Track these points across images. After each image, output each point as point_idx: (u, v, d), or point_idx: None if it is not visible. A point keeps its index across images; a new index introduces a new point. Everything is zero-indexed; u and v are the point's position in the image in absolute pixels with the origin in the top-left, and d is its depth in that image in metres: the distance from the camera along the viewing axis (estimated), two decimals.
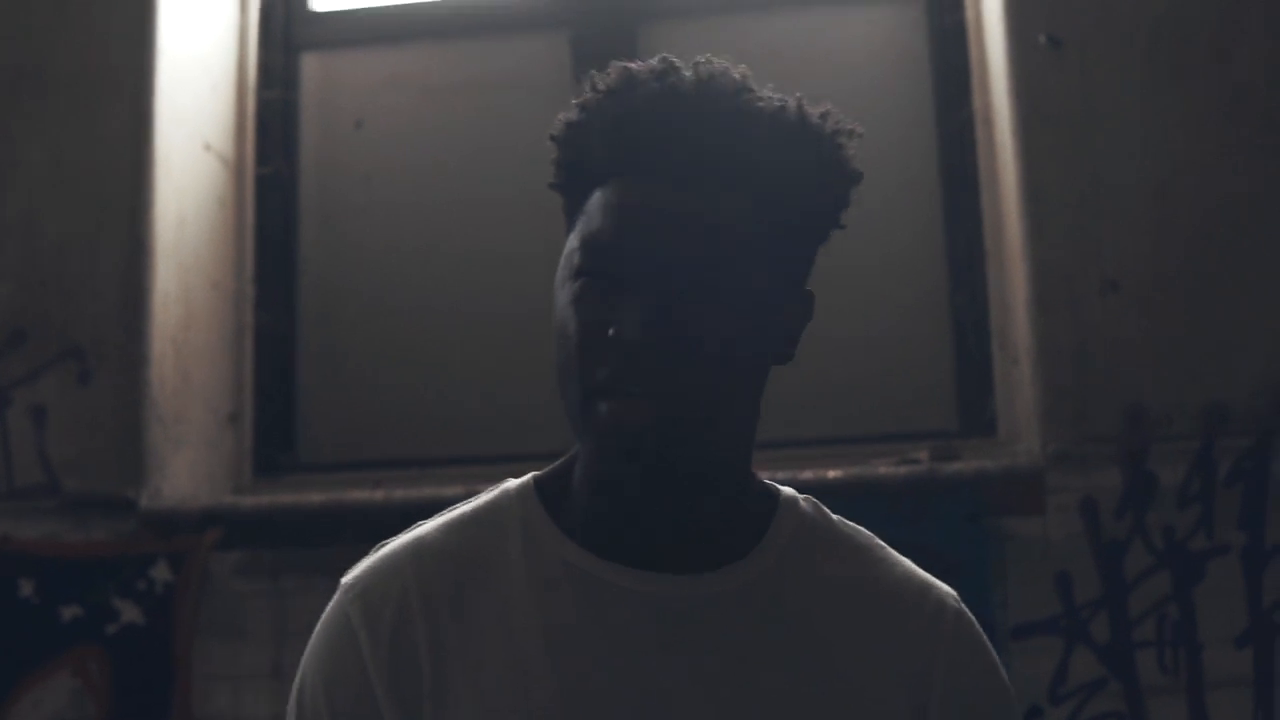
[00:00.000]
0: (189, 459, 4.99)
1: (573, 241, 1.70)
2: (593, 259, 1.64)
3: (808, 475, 4.36)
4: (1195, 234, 4.43)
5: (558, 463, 1.83)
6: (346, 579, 1.81)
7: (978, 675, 1.78)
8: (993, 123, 4.96)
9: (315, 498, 4.85)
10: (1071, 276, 4.47)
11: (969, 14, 5.13)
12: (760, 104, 1.70)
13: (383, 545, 1.84)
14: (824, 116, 1.74)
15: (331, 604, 1.79)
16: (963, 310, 5.02)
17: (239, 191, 5.47)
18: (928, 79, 5.27)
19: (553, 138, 1.79)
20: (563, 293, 1.68)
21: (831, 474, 4.46)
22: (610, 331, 1.57)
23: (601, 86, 1.75)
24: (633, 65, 1.75)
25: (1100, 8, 4.59)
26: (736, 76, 1.73)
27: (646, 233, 1.62)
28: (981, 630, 1.81)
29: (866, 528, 1.87)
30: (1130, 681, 4.24)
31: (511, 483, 1.83)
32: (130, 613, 4.65)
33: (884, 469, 4.52)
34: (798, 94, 1.75)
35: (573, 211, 1.74)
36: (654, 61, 1.75)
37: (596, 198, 1.68)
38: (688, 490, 1.68)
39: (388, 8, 5.73)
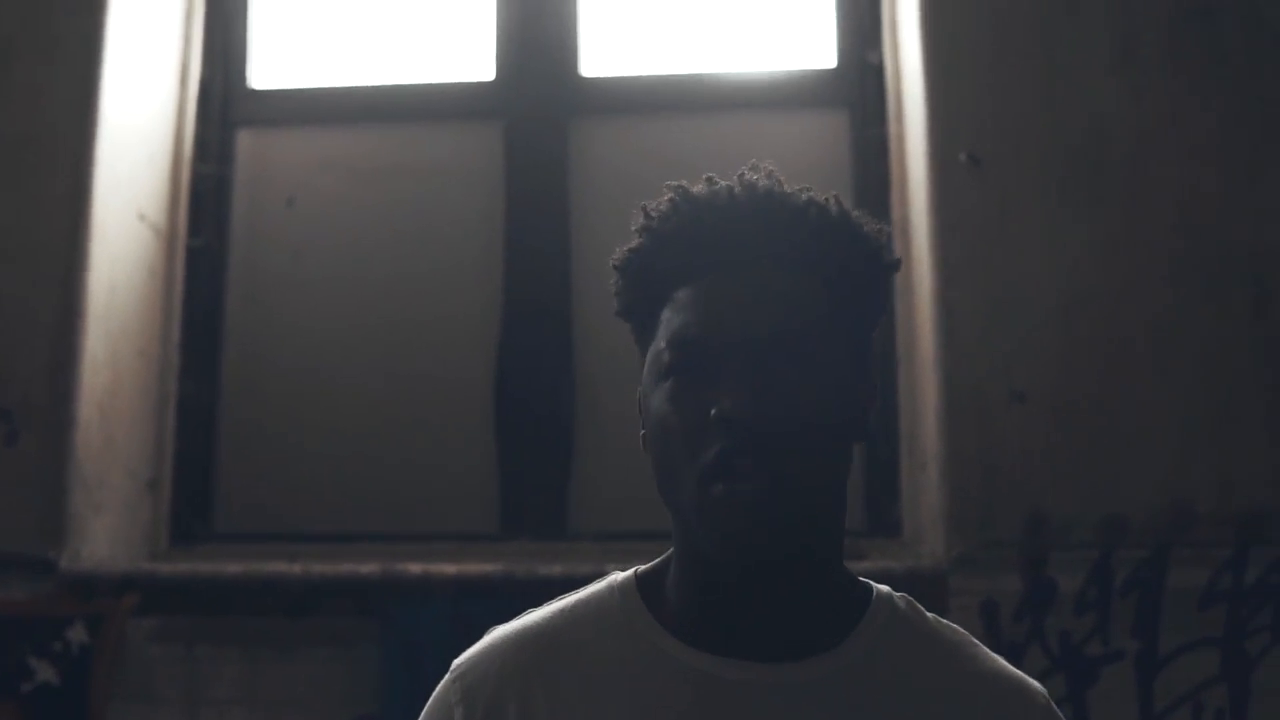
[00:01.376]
0: (109, 523, 5.03)
1: (658, 345, 1.77)
2: (682, 354, 1.72)
3: None
4: (1101, 353, 4.60)
5: (659, 559, 1.89)
6: (456, 660, 1.88)
7: None
8: (910, 234, 5.10)
9: (233, 568, 4.88)
10: (980, 387, 4.62)
11: (892, 128, 5.30)
12: (804, 197, 1.80)
13: (494, 629, 1.91)
14: (857, 212, 1.84)
15: (441, 683, 1.87)
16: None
17: (169, 262, 5.53)
18: (849, 187, 5.40)
19: (615, 267, 1.87)
20: (655, 397, 1.75)
21: None
22: (713, 413, 1.63)
23: (654, 212, 1.83)
24: (682, 184, 1.83)
25: (1020, 132, 4.76)
26: (780, 179, 1.82)
27: (730, 318, 1.70)
28: None
29: None
30: None
31: (617, 575, 1.89)
32: (46, 672, 4.66)
33: None
34: (835, 193, 1.85)
35: (647, 329, 1.82)
36: (700, 182, 1.83)
37: (675, 300, 1.76)
38: (790, 572, 1.73)
39: (325, 90, 5.83)
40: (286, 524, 5.34)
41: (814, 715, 1.72)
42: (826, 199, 1.82)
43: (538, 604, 4.56)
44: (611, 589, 1.88)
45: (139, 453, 5.28)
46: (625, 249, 1.86)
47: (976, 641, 1.87)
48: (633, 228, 1.85)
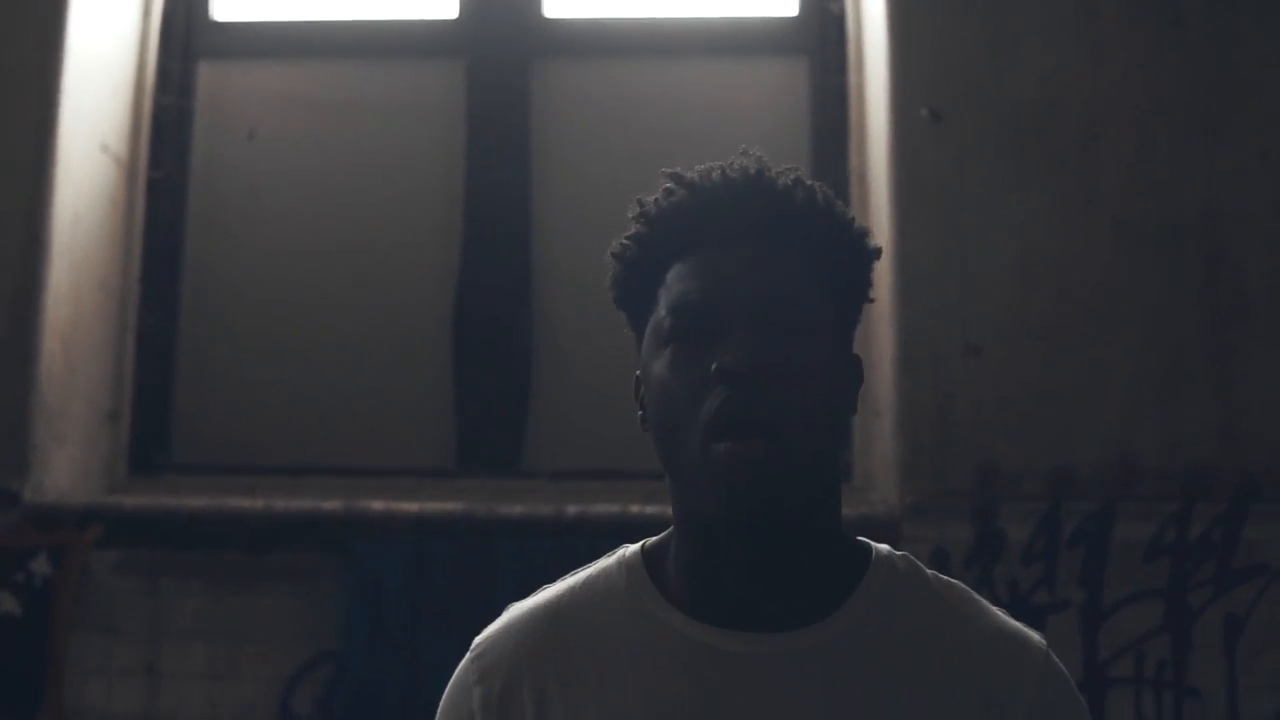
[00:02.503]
0: (70, 455, 5.06)
1: (657, 315, 1.80)
2: (683, 319, 1.75)
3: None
4: (1052, 309, 4.69)
5: (664, 533, 1.91)
6: (475, 640, 1.92)
7: (1062, 716, 1.81)
8: (868, 184, 5.18)
9: (196, 502, 4.94)
10: (935, 338, 4.70)
11: (852, 78, 5.35)
12: (792, 178, 1.85)
13: (511, 607, 1.94)
14: (840, 201, 1.89)
15: (461, 662, 1.91)
16: None
17: (130, 193, 5.53)
18: (807, 135, 5.47)
19: (613, 254, 1.90)
20: (655, 365, 1.78)
21: None
22: (714, 367, 1.67)
23: (648, 201, 1.88)
24: (676, 170, 1.88)
25: (980, 91, 4.84)
26: (768, 164, 1.86)
27: (728, 284, 1.74)
28: (1070, 678, 1.85)
29: None
30: None
31: (627, 549, 1.92)
32: (8, 603, 4.71)
33: None
34: (820, 182, 1.88)
35: (644, 312, 1.86)
36: (691, 170, 1.87)
37: (672, 275, 1.80)
38: (790, 533, 1.75)
39: (287, 23, 5.83)
40: (245, 455, 5.39)
41: (815, 682, 1.73)
42: (812, 183, 1.87)
43: (497, 543, 4.62)
44: (620, 564, 1.90)
45: (99, 384, 5.31)
46: (622, 237, 1.90)
47: (978, 597, 1.88)
48: (630, 215, 1.89)
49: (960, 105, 4.82)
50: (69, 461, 5.05)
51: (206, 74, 5.77)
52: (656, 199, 1.87)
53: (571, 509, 4.70)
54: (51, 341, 4.96)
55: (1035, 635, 1.84)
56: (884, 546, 1.89)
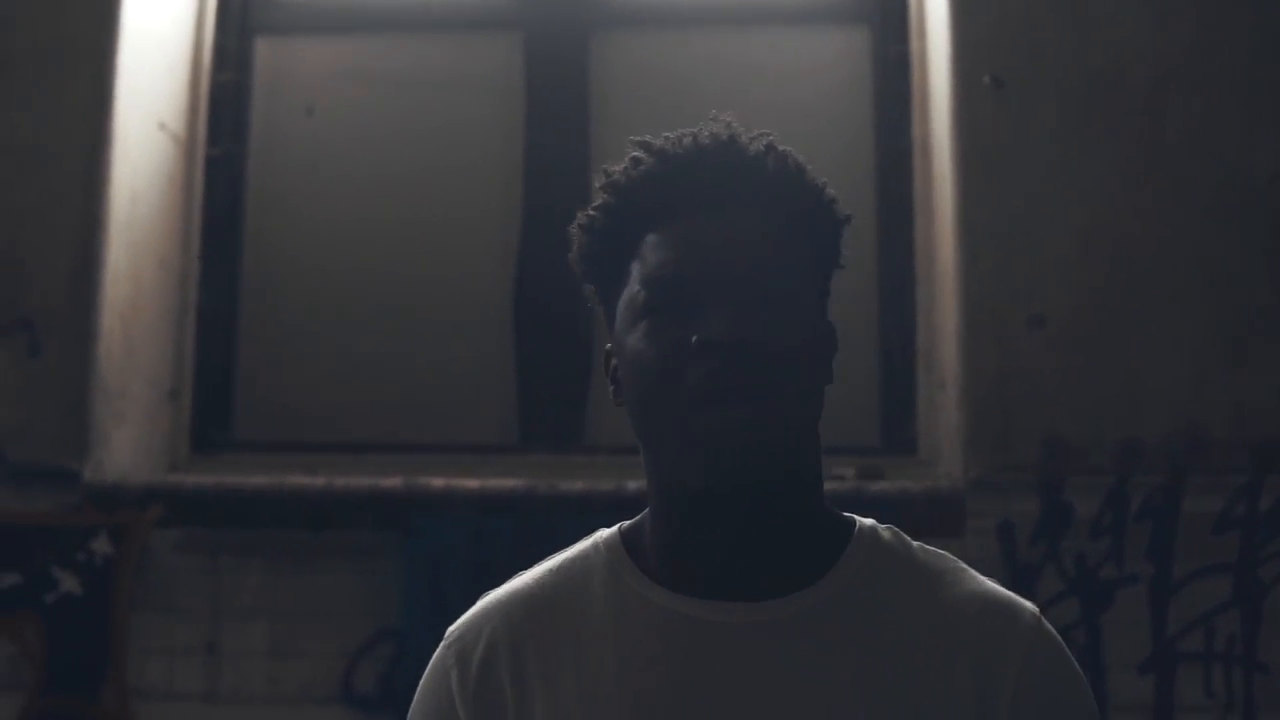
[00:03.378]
0: (131, 434, 5.06)
1: (632, 289, 1.78)
2: (659, 292, 1.73)
3: None
4: (1118, 278, 4.62)
5: (641, 514, 1.89)
6: (450, 628, 1.92)
7: (1053, 686, 1.77)
8: (931, 153, 5.11)
9: (256, 480, 4.93)
10: (1000, 309, 4.64)
11: (914, 46, 5.28)
12: (764, 144, 1.83)
13: (486, 595, 1.93)
14: (808, 165, 1.87)
15: (437, 650, 1.90)
16: (890, 332, 5.17)
17: (189, 171, 5.52)
18: (869, 104, 5.42)
19: (580, 226, 1.87)
20: (631, 338, 1.75)
21: None
22: (694, 339, 1.65)
23: (615, 170, 1.86)
24: (645, 138, 1.85)
25: (1043, 56, 4.76)
26: (738, 130, 1.84)
27: (706, 254, 1.72)
28: (1063, 643, 1.81)
29: None
30: None
31: (602, 532, 1.91)
32: (69, 583, 4.72)
33: None
34: (789, 148, 1.86)
35: (614, 285, 1.83)
36: (660, 138, 1.85)
37: (645, 245, 1.78)
38: (776, 500, 1.73)
39: None
40: (305, 433, 5.38)
41: (796, 650, 1.72)
42: (784, 149, 1.85)
43: (558, 520, 4.60)
44: (596, 546, 1.89)
45: (159, 363, 5.31)
46: (588, 208, 1.86)
47: (965, 566, 1.85)
48: (596, 185, 1.87)
49: (1024, 72, 4.75)
50: (129, 440, 5.06)
51: (264, 50, 5.75)
52: (625, 168, 1.84)
53: (633, 485, 4.65)
54: (111, 320, 4.96)
55: (1026, 603, 1.82)
56: (868, 520, 1.87)
